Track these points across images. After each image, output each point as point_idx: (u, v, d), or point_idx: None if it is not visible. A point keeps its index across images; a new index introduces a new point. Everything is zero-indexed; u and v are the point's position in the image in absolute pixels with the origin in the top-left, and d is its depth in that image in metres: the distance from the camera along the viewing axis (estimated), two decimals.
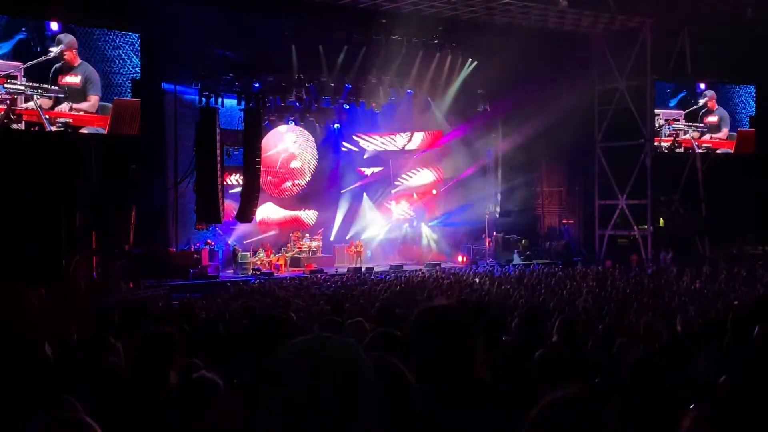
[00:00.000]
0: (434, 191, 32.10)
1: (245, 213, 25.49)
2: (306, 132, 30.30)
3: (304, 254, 28.19)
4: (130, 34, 20.75)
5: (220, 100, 25.06)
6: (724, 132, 29.65)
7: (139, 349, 4.66)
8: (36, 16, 19.65)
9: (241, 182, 26.07)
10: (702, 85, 29.44)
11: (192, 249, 25.45)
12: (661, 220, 29.73)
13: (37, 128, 19.31)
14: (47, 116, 19.32)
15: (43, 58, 19.33)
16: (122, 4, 20.88)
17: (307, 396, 1.75)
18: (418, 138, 31.32)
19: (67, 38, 19.70)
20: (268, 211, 29.26)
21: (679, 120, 29.32)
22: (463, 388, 2.82)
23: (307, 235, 29.14)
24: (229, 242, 27.32)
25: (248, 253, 26.58)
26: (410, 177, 31.87)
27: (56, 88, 19.57)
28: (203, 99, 24.60)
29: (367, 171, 31.53)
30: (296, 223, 30.01)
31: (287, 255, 27.81)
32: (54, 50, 19.46)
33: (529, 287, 17.51)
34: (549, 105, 26.97)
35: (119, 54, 20.59)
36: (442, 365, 2.84)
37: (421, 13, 25.17)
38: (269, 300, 15.54)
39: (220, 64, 24.70)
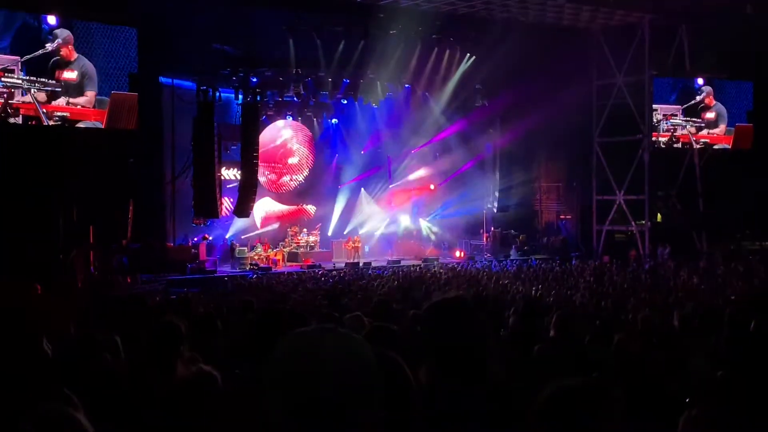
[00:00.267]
0: (432, 186, 32.09)
1: (243, 208, 25.49)
2: (304, 127, 30.28)
3: (301, 249, 28.19)
4: (127, 28, 20.71)
5: (217, 94, 25.00)
6: (722, 128, 29.66)
7: (145, 341, 4.67)
8: (34, 10, 19.62)
9: (238, 177, 26.05)
10: (700, 81, 29.44)
11: (190, 244, 25.43)
12: (659, 215, 29.75)
13: (34, 122, 19.30)
14: (44, 110, 19.30)
15: (40, 51, 19.30)
16: None
17: (309, 387, 1.74)
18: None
19: (64, 33, 19.67)
20: (266, 206, 29.25)
21: (677, 115, 29.32)
22: (479, 380, 2.82)
23: (305, 230, 29.13)
24: (227, 237, 27.31)
25: (246, 248, 26.57)
26: (408, 172, 31.83)
27: (54, 82, 19.55)
28: (201, 93, 24.55)
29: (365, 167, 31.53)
30: (301, 213, 30.03)
31: (285, 250, 27.81)
32: (50, 45, 19.44)
33: (527, 282, 17.52)
34: (547, 100, 26.93)
35: (117, 48, 20.56)
36: (458, 358, 2.83)
37: (419, 7, 25.15)
38: (267, 295, 15.55)
39: (218, 58, 24.65)
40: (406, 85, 28.78)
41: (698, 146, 29.42)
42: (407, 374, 2.57)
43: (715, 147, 29.67)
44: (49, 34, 19.53)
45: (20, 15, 19.43)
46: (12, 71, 18.87)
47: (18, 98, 19.01)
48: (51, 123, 19.50)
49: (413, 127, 30.38)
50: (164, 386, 4.05)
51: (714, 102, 29.49)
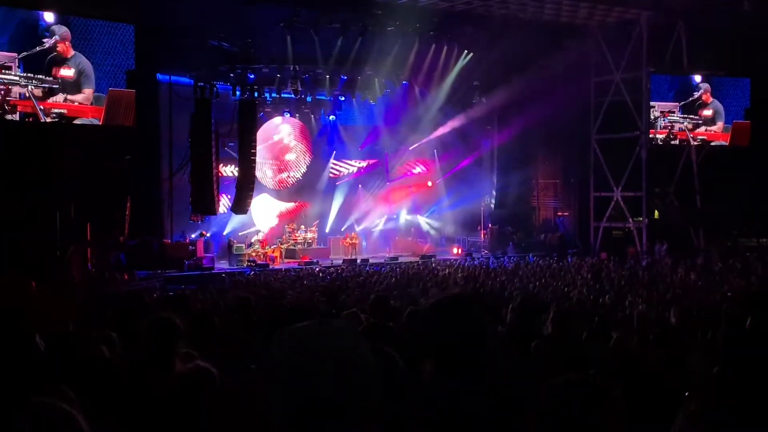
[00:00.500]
0: (430, 183, 32.10)
1: (240, 204, 25.49)
2: (301, 123, 30.26)
3: (299, 246, 28.18)
4: (124, 24, 20.68)
5: (215, 91, 24.98)
6: (719, 125, 29.68)
7: (142, 337, 4.65)
8: (32, 6, 19.59)
9: (236, 174, 26.04)
10: (697, 78, 29.45)
11: (187, 240, 25.43)
12: (656, 212, 29.76)
13: (31, 119, 19.28)
14: (42, 107, 19.28)
15: (37, 48, 19.27)
16: None
17: (307, 382, 1.74)
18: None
19: (61, 29, 19.64)
20: (263, 202, 29.24)
21: (674, 112, 29.34)
22: (479, 377, 2.82)
23: (303, 226, 29.14)
24: (224, 234, 27.31)
25: (243, 245, 26.57)
26: (406, 169, 31.83)
27: (51, 78, 19.53)
28: (198, 90, 24.53)
29: (363, 163, 31.53)
30: (299, 209, 30.06)
31: (282, 247, 27.81)
32: (48, 42, 19.41)
33: (524, 279, 17.52)
34: (545, 97, 26.97)
35: (114, 45, 20.54)
36: (459, 355, 2.83)
37: (417, 4, 25.14)
38: (264, 291, 15.54)
39: (215, 55, 24.63)
40: (404, 82, 28.79)
41: (695, 143, 29.44)
42: (403, 370, 2.58)
43: (713, 144, 29.69)
44: (47, 30, 19.50)
45: (18, 11, 19.39)
46: (9, 68, 18.84)
47: (14, 94, 18.98)
48: (48, 120, 19.48)
49: (411, 124, 30.40)
50: (162, 383, 4.05)
51: (711, 99, 29.51)
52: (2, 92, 18.73)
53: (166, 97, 25.43)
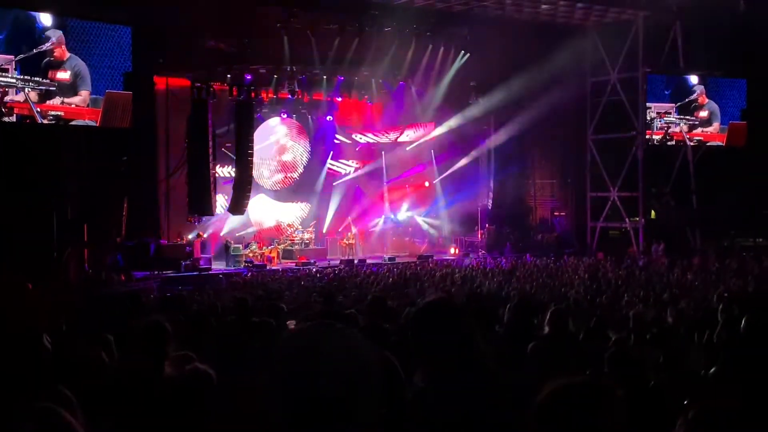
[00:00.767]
0: (427, 183, 32.10)
1: (238, 205, 25.49)
2: (298, 124, 30.26)
3: (296, 246, 28.15)
4: (121, 26, 20.67)
5: (211, 91, 24.96)
6: (715, 125, 29.75)
7: (132, 341, 4.66)
8: (28, 8, 19.56)
9: (233, 174, 26.04)
10: (694, 79, 29.51)
11: (184, 241, 25.40)
12: (653, 212, 29.80)
13: (28, 121, 19.26)
14: (38, 109, 19.27)
15: (34, 51, 19.26)
16: None
17: (308, 384, 1.74)
18: (411, 130, 31.26)
19: (56, 33, 19.63)
20: (261, 203, 29.22)
21: (670, 113, 29.38)
22: (471, 376, 2.83)
23: (300, 227, 29.12)
24: (221, 234, 27.29)
25: (240, 246, 26.54)
26: (403, 169, 31.81)
27: (48, 81, 19.52)
28: (195, 91, 24.51)
29: (360, 164, 31.51)
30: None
31: (279, 247, 27.78)
32: (44, 45, 19.40)
33: (522, 279, 17.54)
34: (541, 97, 27.00)
35: (111, 47, 20.52)
36: (448, 358, 2.84)
37: (414, 5, 25.15)
38: (261, 292, 15.54)
39: (212, 56, 24.62)
40: (401, 83, 28.79)
41: (692, 144, 29.49)
42: (399, 373, 2.58)
43: (709, 144, 29.74)
44: (43, 33, 19.48)
45: (14, 13, 19.37)
46: (6, 70, 18.83)
47: (11, 97, 18.97)
48: (45, 122, 19.47)
49: (408, 124, 30.40)
50: (159, 384, 4.05)
51: (707, 100, 29.56)
52: None
53: (163, 98, 25.41)
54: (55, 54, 19.61)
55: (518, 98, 27.92)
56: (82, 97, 20.13)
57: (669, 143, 29.42)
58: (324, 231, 30.21)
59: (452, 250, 30.27)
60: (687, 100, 29.44)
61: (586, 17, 27.51)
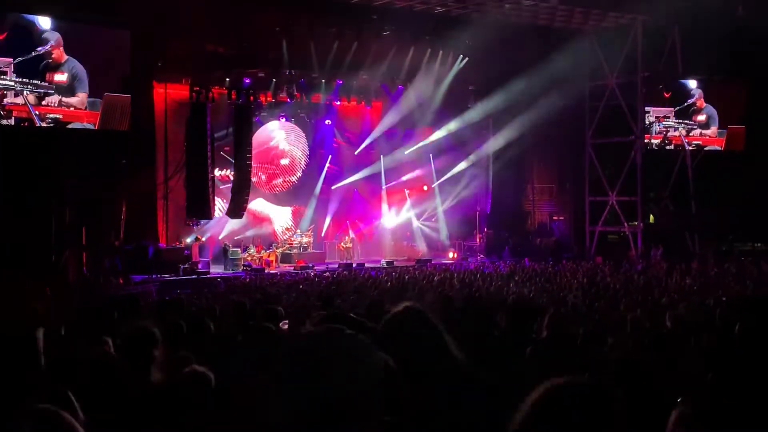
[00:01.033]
0: (425, 187, 32.10)
1: (236, 209, 25.48)
2: (297, 128, 30.27)
3: (294, 250, 28.14)
4: (120, 30, 20.69)
5: (210, 95, 24.97)
6: (713, 129, 29.80)
7: (121, 346, 4.66)
8: (27, 11, 19.58)
9: (231, 178, 26.04)
10: (692, 83, 29.55)
11: (182, 245, 25.40)
12: (651, 216, 29.82)
13: (26, 124, 19.27)
14: (37, 112, 19.28)
15: (32, 53, 19.27)
16: (112, 0, 20.83)
17: (314, 389, 1.74)
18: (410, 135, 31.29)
19: (54, 36, 19.67)
20: (259, 207, 29.22)
21: (669, 117, 29.42)
22: (442, 376, 2.83)
23: (298, 231, 29.12)
24: (220, 238, 27.28)
25: (239, 249, 26.53)
26: (401, 173, 31.80)
27: (46, 84, 19.54)
28: (194, 95, 24.53)
29: (358, 168, 31.50)
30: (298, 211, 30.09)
31: (278, 251, 27.76)
32: (42, 48, 19.42)
33: (520, 284, 17.54)
34: (540, 101, 27.05)
35: (110, 50, 20.54)
36: (420, 365, 2.83)
37: (413, 9, 25.16)
38: (260, 296, 15.52)
39: (211, 59, 24.63)
40: (400, 87, 28.81)
41: (690, 148, 29.52)
42: (400, 378, 2.57)
43: (707, 149, 29.78)
44: (41, 35, 19.49)
45: (13, 16, 19.38)
46: (4, 73, 18.84)
47: (9, 99, 18.97)
48: (44, 125, 19.48)
49: (406, 128, 30.42)
50: (143, 390, 4.05)
51: (705, 104, 29.62)
52: None
53: (162, 101, 25.42)
54: (53, 56, 19.63)
55: (517, 102, 27.96)
56: (80, 98, 20.14)
57: (668, 147, 29.45)
58: (322, 235, 30.20)
59: (451, 255, 30.28)
60: (686, 104, 29.48)
61: (585, 21, 27.54)
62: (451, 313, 8.32)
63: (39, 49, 19.36)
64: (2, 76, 18.80)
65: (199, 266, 24.44)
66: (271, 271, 25.31)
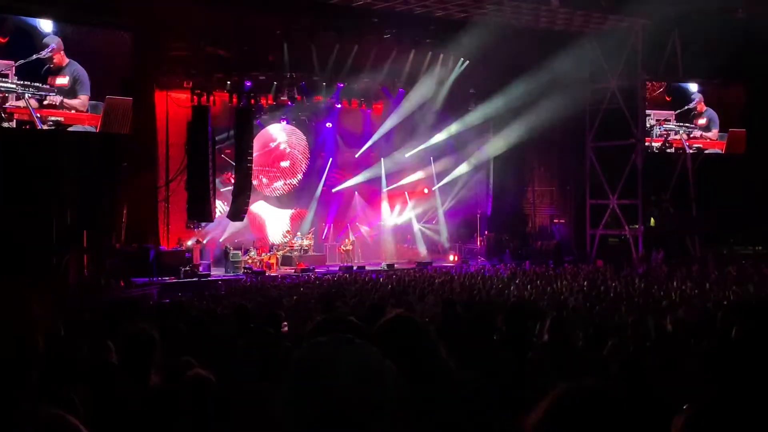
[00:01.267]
0: (426, 190, 32.10)
1: (237, 211, 25.48)
2: (298, 131, 30.28)
3: (295, 253, 28.14)
4: (121, 32, 20.71)
5: (211, 98, 25.00)
6: (714, 132, 29.80)
7: (120, 349, 4.65)
8: (28, 14, 19.59)
9: (232, 181, 26.05)
10: (693, 86, 29.56)
11: (183, 247, 25.40)
12: (652, 219, 29.80)
13: (28, 126, 19.28)
14: (38, 115, 19.30)
15: (34, 56, 19.28)
16: (113, 2, 20.84)
17: (324, 399, 1.73)
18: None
19: (54, 39, 19.66)
20: (260, 209, 29.22)
21: (669, 120, 29.42)
22: (430, 380, 2.83)
23: (299, 233, 29.12)
24: (221, 241, 27.28)
25: (240, 252, 26.53)
26: (402, 176, 31.80)
27: (47, 87, 19.56)
28: (195, 97, 24.55)
29: (359, 170, 31.51)
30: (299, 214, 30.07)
31: (279, 254, 27.76)
32: (44, 52, 19.44)
33: (521, 287, 17.54)
34: (540, 104, 27.06)
35: (111, 52, 20.56)
36: (411, 372, 2.84)
37: (413, 12, 25.17)
38: (260, 299, 15.54)
39: (212, 62, 24.65)
40: (400, 89, 28.83)
41: (691, 151, 29.52)
42: (403, 384, 2.58)
43: (708, 152, 29.78)
44: (42, 39, 19.51)
45: (14, 19, 19.38)
46: (6, 76, 18.86)
47: (11, 102, 18.99)
48: (45, 127, 19.50)
49: (407, 131, 30.43)
50: (141, 393, 4.05)
51: (705, 108, 29.62)
52: None
53: (163, 104, 25.45)
54: (54, 60, 19.65)
55: (517, 105, 27.97)
56: (81, 100, 20.16)
57: (668, 151, 29.45)
58: (323, 237, 30.20)
59: (451, 258, 30.28)
60: (686, 107, 29.50)
61: (586, 25, 27.52)
62: (452, 316, 8.32)
63: (41, 53, 19.37)
64: (4, 79, 18.81)
65: (200, 269, 24.45)
66: (272, 274, 25.31)
